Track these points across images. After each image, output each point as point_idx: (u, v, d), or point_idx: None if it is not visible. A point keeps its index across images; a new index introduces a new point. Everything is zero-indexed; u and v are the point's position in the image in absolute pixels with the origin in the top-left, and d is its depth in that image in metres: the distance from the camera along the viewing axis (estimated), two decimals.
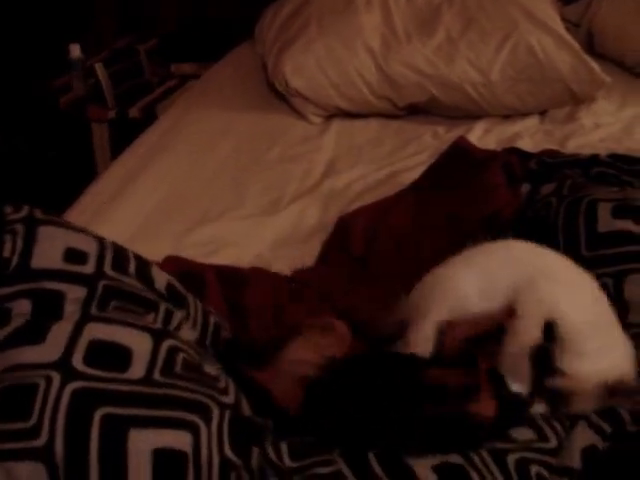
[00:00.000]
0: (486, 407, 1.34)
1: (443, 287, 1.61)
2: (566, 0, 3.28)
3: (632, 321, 1.61)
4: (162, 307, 1.36)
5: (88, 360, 1.16)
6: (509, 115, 2.79)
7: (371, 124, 2.79)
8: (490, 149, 2.42)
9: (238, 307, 1.76)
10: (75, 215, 2.13)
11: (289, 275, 1.96)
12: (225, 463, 1.15)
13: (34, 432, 1.09)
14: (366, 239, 2.08)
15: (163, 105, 3.33)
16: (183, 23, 3.74)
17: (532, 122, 2.75)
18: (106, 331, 1.22)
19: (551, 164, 2.23)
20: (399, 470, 1.24)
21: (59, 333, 1.20)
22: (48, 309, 1.25)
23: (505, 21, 2.80)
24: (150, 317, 1.33)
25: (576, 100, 2.78)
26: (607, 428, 1.37)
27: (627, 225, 1.77)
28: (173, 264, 1.84)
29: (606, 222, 1.79)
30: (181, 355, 1.26)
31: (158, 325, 1.31)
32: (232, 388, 1.28)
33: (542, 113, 2.80)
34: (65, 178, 3.09)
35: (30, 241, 1.30)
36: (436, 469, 1.24)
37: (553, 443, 1.35)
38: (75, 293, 1.28)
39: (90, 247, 1.35)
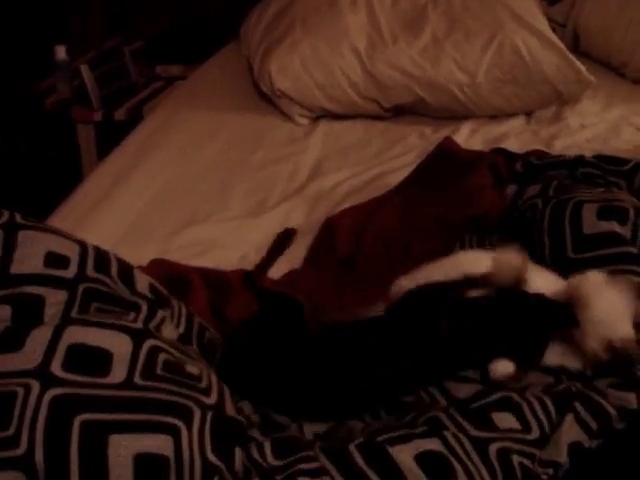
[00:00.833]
0: None
1: None
2: (551, 0, 3.28)
3: None
4: (144, 306, 1.36)
5: (67, 366, 1.15)
6: (495, 116, 2.78)
7: (357, 125, 2.78)
8: (476, 150, 2.42)
9: (222, 316, 1.75)
10: (61, 218, 2.13)
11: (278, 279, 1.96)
12: (207, 466, 1.15)
13: (13, 441, 1.08)
14: (353, 240, 2.07)
15: (149, 107, 3.32)
16: (169, 24, 3.73)
17: (518, 122, 2.75)
18: (86, 335, 1.21)
19: (537, 165, 2.23)
20: (381, 461, 1.24)
21: (38, 339, 1.19)
22: (28, 314, 1.25)
23: (490, 21, 2.80)
24: (131, 316, 1.32)
25: (562, 100, 2.79)
26: (594, 425, 1.37)
27: (612, 226, 1.77)
28: (158, 267, 1.83)
29: (591, 224, 1.79)
30: (162, 355, 1.25)
31: (139, 325, 1.30)
32: (215, 387, 1.28)
33: (528, 113, 2.80)
34: (50, 180, 3.08)
35: (10, 246, 1.29)
36: (418, 458, 1.24)
37: (535, 434, 1.34)
38: (56, 297, 1.27)
39: (71, 251, 1.34)
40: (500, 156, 2.31)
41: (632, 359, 1.47)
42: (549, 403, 1.39)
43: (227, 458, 1.18)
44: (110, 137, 2.94)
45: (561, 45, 2.78)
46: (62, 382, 1.14)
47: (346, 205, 2.23)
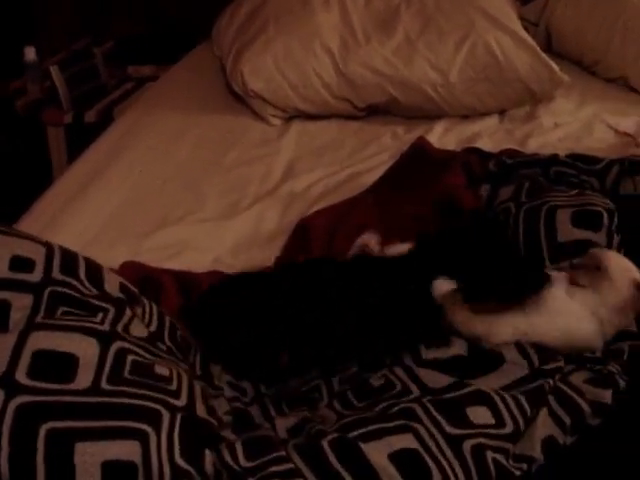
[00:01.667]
0: None
1: None
2: None
3: None
4: (111, 307, 1.34)
5: (32, 373, 1.14)
6: (468, 115, 2.78)
7: (331, 125, 2.77)
8: (450, 149, 2.42)
9: None
10: (31, 220, 2.11)
11: None
12: (176, 471, 1.14)
13: None
14: (327, 241, 2.06)
15: (120, 108, 3.30)
16: (140, 25, 3.71)
17: (492, 122, 2.75)
18: (51, 340, 1.20)
19: (510, 164, 2.23)
20: (355, 461, 1.24)
21: (2, 346, 1.17)
22: None
23: (463, 21, 2.79)
24: (98, 318, 1.30)
25: (535, 99, 2.79)
26: (567, 420, 1.38)
27: (586, 234, 1.78)
28: (130, 270, 1.81)
29: (566, 231, 1.79)
30: (130, 357, 1.24)
31: (106, 327, 1.29)
32: (185, 388, 1.26)
33: (502, 112, 2.80)
34: (21, 182, 3.05)
35: None
36: (392, 457, 1.24)
37: (509, 428, 1.34)
38: (21, 301, 1.26)
39: (37, 254, 1.33)
40: (474, 155, 2.30)
41: None
42: (522, 399, 1.39)
43: (197, 461, 1.17)
44: (80, 139, 2.91)
45: (534, 44, 2.78)
46: (27, 390, 1.13)
47: (320, 206, 2.22)
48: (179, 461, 1.15)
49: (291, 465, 1.23)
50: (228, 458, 1.24)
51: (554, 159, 2.21)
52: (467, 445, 1.29)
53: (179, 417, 1.19)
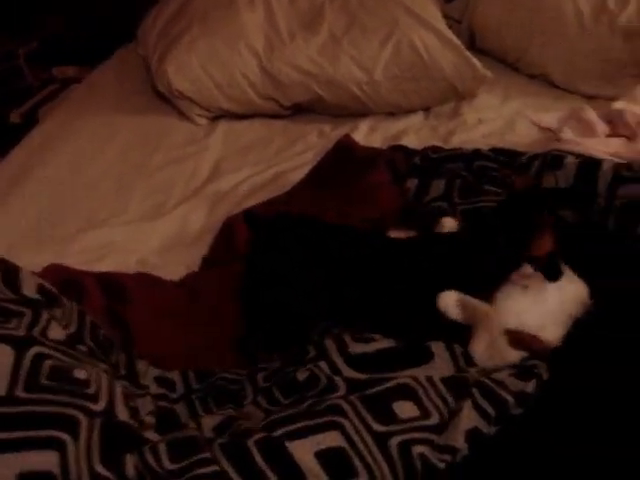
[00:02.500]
0: None
1: None
2: None
3: None
4: (27, 311, 1.33)
5: None
6: (394, 113, 2.79)
7: (257, 124, 2.76)
8: (375, 147, 2.43)
9: (121, 320, 1.73)
10: None
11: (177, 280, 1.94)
12: (95, 478, 1.12)
13: None
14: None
15: (45, 110, 3.25)
16: (65, 25, 3.66)
17: (417, 119, 2.77)
18: None
19: (435, 159, 2.25)
20: (281, 460, 1.24)
21: None
22: None
23: (387, 19, 2.80)
24: (13, 323, 1.28)
25: (459, 96, 2.81)
26: (491, 411, 1.40)
27: None
28: (53, 273, 1.79)
29: None
30: (48, 362, 1.23)
31: (21, 332, 1.27)
32: (105, 391, 1.25)
33: (426, 110, 2.82)
34: None
35: None
36: (318, 456, 1.25)
37: (435, 419, 1.37)
38: None
39: None
40: (398, 153, 2.32)
41: None
42: (444, 390, 1.40)
43: (117, 467, 1.16)
44: (4, 140, 2.86)
45: (457, 42, 2.80)
46: None
47: (246, 205, 2.22)
48: (98, 468, 1.14)
49: (216, 467, 1.23)
50: (151, 461, 1.23)
51: (477, 154, 2.24)
52: (394, 442, 1.30)
53: (98, 422, 1.17)
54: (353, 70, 2.71)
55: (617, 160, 2.15)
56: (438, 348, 1.52)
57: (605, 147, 2.37)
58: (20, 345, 1.22)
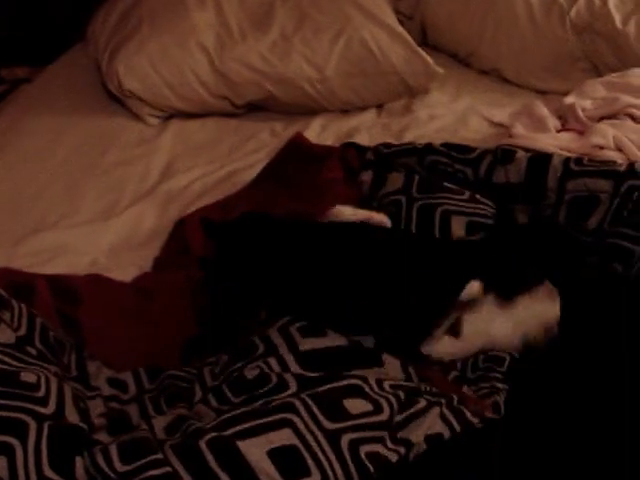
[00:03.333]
0: None
1: None
2: None
3: None
4: None
5: None
6: (347, 110, 2.80)
7: (209, 123, 2.74)
8: (327, 145, 2.43)
9: (72, 322, 1.71)
10: None
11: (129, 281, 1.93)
12: None
13: None
14: (207, 240, 2.05)
15: None
16: (13, 25, 3.61)
17: (369, 116, 2.77)
18: None
19: (387, 154, 2.26)
20: (233, 460, 1.23)
21: None
22: None
23: (338, 16, 2.80)
24: None
25: (411, 93, 2.82)
26: (456, 426, 1.39)
27: None
28: (2, 276, 1.78)
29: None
30: None
31: None
32: (54, 394, 1.24)
33: (379, 107, 2.82)
34: None
35: None
36: (270, 454, 1.25)
37: (386, 414, 1.36)
38: None
39: None
40: (351, 150, 2.32)
41: None
42: (393, 391, 1.41)
43: (67, 470, 1.15)
44: None
45: (408, 38, 2.81)
46: None
47: (199, 204, 2.22)
48: (48, 472, 1.13)
49: (168, 468, 1.22)
50: (102, 463, 1.22)
51: (429, 148, 2.25)
52: (345, 440, 1.30)
53: (46, 426, 1.17)
54: (304, 67, 2.71)
55: (568, 154, 2.18)
56: (388, 357, 1.52)
57: (556, 142, 2.40)
58: None
